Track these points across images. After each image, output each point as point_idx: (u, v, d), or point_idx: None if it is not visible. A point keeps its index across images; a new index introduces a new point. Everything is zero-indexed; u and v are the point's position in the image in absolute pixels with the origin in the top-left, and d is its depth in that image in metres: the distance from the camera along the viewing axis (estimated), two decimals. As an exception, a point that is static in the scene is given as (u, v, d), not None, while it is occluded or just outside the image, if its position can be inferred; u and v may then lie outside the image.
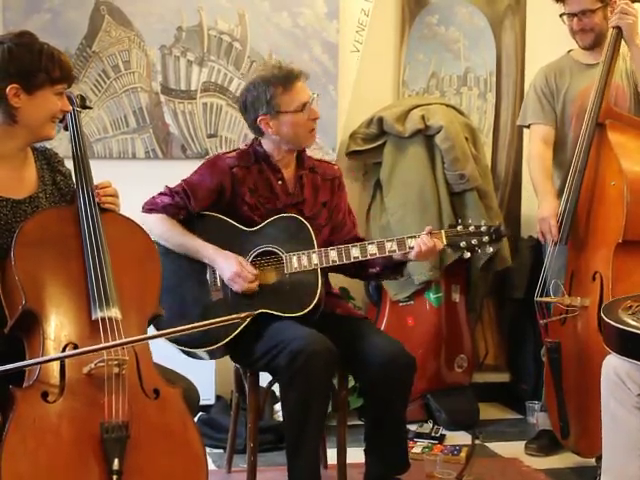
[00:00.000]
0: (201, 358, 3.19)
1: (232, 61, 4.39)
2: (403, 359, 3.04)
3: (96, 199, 2.47)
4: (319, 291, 3.05)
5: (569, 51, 3.92)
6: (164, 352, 3.10)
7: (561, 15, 3.77)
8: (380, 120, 4.42)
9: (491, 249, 3.15)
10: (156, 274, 2.53)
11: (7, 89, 2.37)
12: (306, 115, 3.16)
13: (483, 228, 3.12)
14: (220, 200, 3.17)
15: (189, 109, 4.36)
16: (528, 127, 3.98)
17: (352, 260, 3.09)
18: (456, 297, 4.47)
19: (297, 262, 3.07)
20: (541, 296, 3.68)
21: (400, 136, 4.39)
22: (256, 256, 3.12)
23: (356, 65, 4.46)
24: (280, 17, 4.41)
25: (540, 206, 3.81)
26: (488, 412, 4.53)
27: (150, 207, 3.16)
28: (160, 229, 3.12)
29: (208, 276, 3.13)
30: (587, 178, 3.59)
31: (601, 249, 3.54)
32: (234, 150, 3.34)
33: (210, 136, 4.40)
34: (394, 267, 3.24)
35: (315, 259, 3.07)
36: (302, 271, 3.06)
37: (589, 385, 3.31)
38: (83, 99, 2.70)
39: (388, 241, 3.09)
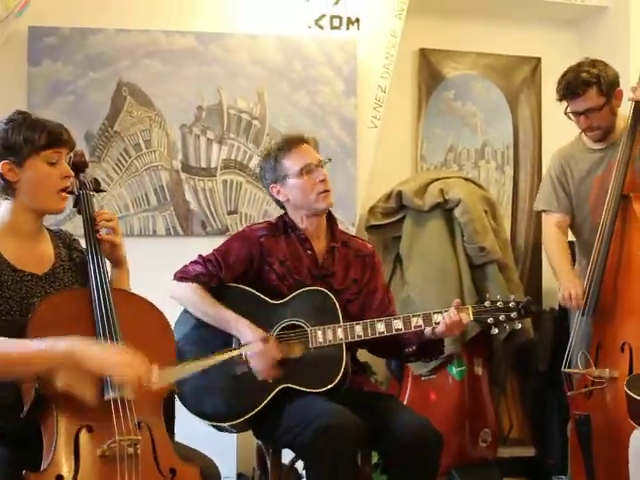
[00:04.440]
0: (228, 430, 3.16)
1: (251, 139, 4.44)
2: (430, 435, 2.98)
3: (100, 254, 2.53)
4: (343, 366, 3.01)
5: (581, 132, 3.85)
6: (186, 430, 3.09)
7: (566, 113, 3.71)
8: (399, 194, 4.45)
9: (519, 325, 3.06)
10: (170, 352, 2.53)
11: (0, 166, 2.43)
12: (311, 178, 3.14)
13: (512, 304, 3.04)
14: (249, 270, 3.17)
15: (209, 186, 4.40)
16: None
17: (377, 335, 3.02)
18: (479, 370, 4.43)
19: (322, 336, 3.03)
20: (568, 367, 3.64)
21: (419, 210, 4.41)
22: (282, 329, 3.09)
23: (374, 140, 4.50)
24: (298, 95, 4.47)
25: (560, 284, 3.77)
26: (514, 488, 4.47)
27: (182, 275, 3.16)
28: (191, 298, 3.12)
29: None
30: (613, 249, 3.58)
31: (629, 319, 3.52)
32: (264, 222, 3.35)
33: (230, 213, 4.43)
34: (429, 346, 3.15)
35: (340, 333, 3.02)
36: (327, 345, 3.02)
37: (620, 458, 3.23)
38: (97, 182, 2.73)
39: (414, 316, 3.02)
